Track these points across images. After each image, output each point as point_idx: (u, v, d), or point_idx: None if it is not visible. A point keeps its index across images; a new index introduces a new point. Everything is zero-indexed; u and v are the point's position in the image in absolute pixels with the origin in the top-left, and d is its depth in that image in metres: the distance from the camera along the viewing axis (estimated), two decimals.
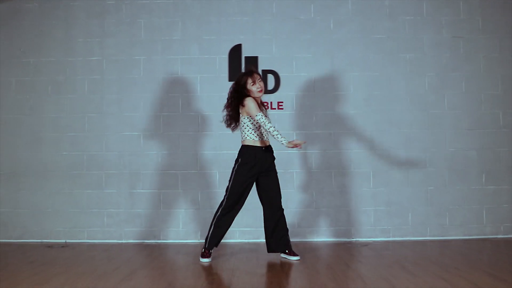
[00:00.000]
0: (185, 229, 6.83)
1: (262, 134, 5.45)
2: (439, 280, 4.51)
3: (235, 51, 6.93)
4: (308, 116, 6.87)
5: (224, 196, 5.50)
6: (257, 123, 5.39)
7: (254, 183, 5.56)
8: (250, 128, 5.44)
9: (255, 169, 5.43)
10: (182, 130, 6.87)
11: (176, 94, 6.90)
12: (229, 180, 5.49)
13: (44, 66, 6.95)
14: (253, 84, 5.44)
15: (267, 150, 5.49)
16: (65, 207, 6.87)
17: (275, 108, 6.84)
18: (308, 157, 6.85)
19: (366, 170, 6.85)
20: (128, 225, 6.83)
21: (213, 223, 5.53)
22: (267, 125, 5.22)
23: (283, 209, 5.59)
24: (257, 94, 5.45)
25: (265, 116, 5.37)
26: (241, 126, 5.49)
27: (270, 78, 6.89)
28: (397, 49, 6.92)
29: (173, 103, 6.89)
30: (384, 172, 6.83)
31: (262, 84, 5.48)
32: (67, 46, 6.97)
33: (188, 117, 6.88)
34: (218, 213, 5.50)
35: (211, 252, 5.52)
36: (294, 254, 5.56)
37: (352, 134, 6.84)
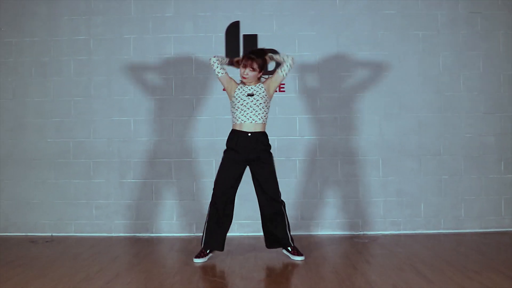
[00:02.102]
0: (179, 222, 6.57)
1: (246, 117, 5.12)
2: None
3: (233, 29, 6.63)
4: (312, 99, 6.60)
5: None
6: (233, 104, 5.21)
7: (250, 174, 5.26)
8: (231, 108, 5.26)
9: (240, 156, 5.13)
10: (176, 114, 6.60)
11: (169, 76, 6.63)
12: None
13: (27, 47, 6.67)
14: (243, 66, 5.21)
15: (254, 137, 5.12)
16: (51, 198, 6.64)
17: (276, 91, 6.28)
18: (312, 143, 6.56)
19: (375, 158, 6.57)
20: (118, 218, 6.59)
21: (207, 220, 5.22)
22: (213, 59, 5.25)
23: (282, 202, 5.24)
24: (241, 78, 5.25)
25: (242, 102, 5.18)
26: None
27: (271, 63, 6.38)
28: (409, 26, 6.61)
29: (166, 85, 6.62)
30: (394, 160, 6.56)
31: (250, 73, 5.15)
32: (51, 24, 6.68)
33: (182, 100, 6.60)
34: (209, 209, 5.21)
35: (207, 253, 5.18)
36: (298, 254, 5.21)
37: (360, 119, 6.57)
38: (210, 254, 5.20)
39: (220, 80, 5.29)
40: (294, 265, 5.00)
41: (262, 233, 5.41)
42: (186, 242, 6.07)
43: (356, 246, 5.80)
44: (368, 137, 6.57)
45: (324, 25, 6.62)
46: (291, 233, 5.31)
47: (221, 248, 5.21)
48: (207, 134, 6.55)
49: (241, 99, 5.12)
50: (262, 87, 5.19)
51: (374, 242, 6.00)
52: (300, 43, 6.60)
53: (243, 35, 6.60)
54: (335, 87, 6.59)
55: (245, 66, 5.14)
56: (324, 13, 6.63)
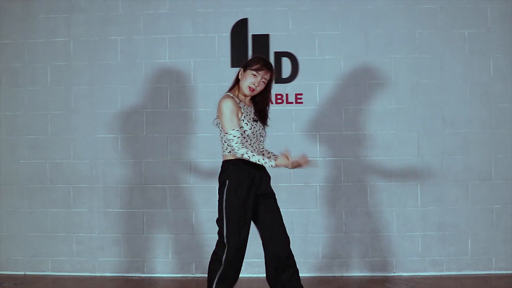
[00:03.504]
0: (175, 260, 6.15)
1: (256, 147, 4.39)
2: None
3: (240, 28, 6.22)
4: (336, 113, 6.17)
5: (219, 242, 4.36)
6: (250, 131, 4.34)
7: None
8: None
9: (253, 190, 4.33)
10: (171, 131, 6.22)
11: (163, 85, 6.27)
12: (221, 215, 4.36)
13: None
14: (253, 75, 4.31)
15: (261, 167, 4.39)
16: (24, 231, 6.28)
17: (292, 102, 6.20)
18: (336, 166, 6.13)
19: (412, 183, 6.11)
20: (103, 254, 6.19)
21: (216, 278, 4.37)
22: (238, 152, 4.16)
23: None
24: (245, 89, 4.35)
25: (253, 130, 4.29)
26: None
27: (286, 63, 6.25)
28: (453, 24, 6.15)
29: (160, 96, 6.26)
30: (435, 186, 6.09)
31: (260, 87, 4.32)
32: (25, 24, 6.37)
33: (179, 114, 6.24)
34: (220, 265, 4.31)
35: None
36: None
37: (394, 136, 6.13)
38: None
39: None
40: None
41: None
42: (183, 284, 5.76)
43: None
44: (404, 158, 6.14)
45: (350, 23, 6.23)
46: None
47: None
48: (208, 155, 6.10)
49: (250, 124, 4.34)
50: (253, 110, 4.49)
51: (412, 287, 5.60)
52: (321, 44, 6.21)
53: (252, 35, 6.22)
54: (364, 98, 6.21)
55: (257, 75, 4.34)
56: (350, 8, 6.24)
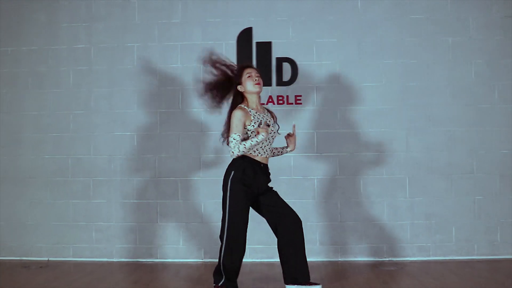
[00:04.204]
0: (186, 246, 6.40)
1: (263, 150, 4.69)
2: None
3: (245, 36, 6.48)
4: (332, 113, 6.43)
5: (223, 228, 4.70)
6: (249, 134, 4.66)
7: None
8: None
9: (252, 189, 4.65)
10: (183, 129, 6.47)
11: (175, 87, 6.51)
12: (224, 203, 4.70)
13: (24, 56, 6.61)
14: (249, 77, 4.69)
15: (265, 167, 4.74)
16: (47, 220, 6.51)
17: (292, 103, 6.41)
18: (332, 161, 6.36)
19: (401, 177, 6.37)
20: (120, 241, 6.43)
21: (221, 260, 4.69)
22: (234, 151, 4.52)
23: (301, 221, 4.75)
24: (253, 88, 4.68)
25: (266, 131, 4.57)
26: None
27: (286, 68, 6.50)
28: (438, 32, 6.44)
29: (172, 97, 6.51)
30: (422, 179, 6.36)
31: (260, 79, 4.71)
32: (49, 32, 6.61)
33: (190, 114, 6.47)
34: (224, 251, 4.66)
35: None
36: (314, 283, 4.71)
37: (384, 134, 6.38)
38: None
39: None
40: None
41: (277, 259, 4.97)
42: (193, 268, 5.89)
43: (381, 276, 5.49)
44: (394, 154, 6.38)
45: (345, 31, 6.49)
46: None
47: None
48: (216, 151, 6.33)
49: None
50: (269, 115, 4.80)
51: (401, 270, 5.73)
52: (319, 50, 6.47)
53: (256, 42, 6.48)
54: (357, 99, 6.44)
55: (251, 74, 4.71)
56: (345, 18, 6.50)
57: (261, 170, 4.62)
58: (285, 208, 4.70)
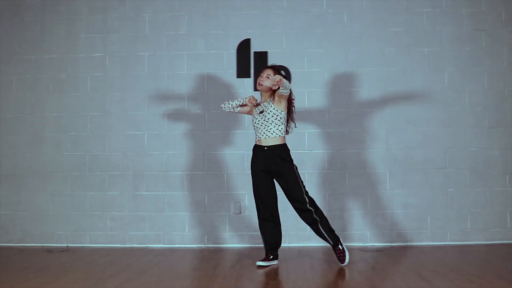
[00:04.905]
0: (191, 233, 6.66)
1: (261, 134, 5.39)
2: None
3: (244, 46, 6.75)
4: (321, 114, 6.70)
5: None
6: (253, 123, 5.49)
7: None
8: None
9: (260, 167, 5.39)
10: (188, 129, 6.73)
11: (182, 92, 6.76)
12: None
13: (46, 63, 6.84)
14: (260, 76, 5.48)
15: (270, 150, 5.37)
16: (67, 210, 6.76)
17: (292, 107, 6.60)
18: (321, 157, 6.67)
19: (382, 171, 6.64)
20: (132, 229, 6.69)
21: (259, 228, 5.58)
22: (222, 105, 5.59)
23: (311, 210, 5.39)
24: (257, 86, 5.50)
25: (255, 120, 5.46)
26: None
27: None
28: (415, 43, 6.71)
29: (179, 101, 6.76)
30: (401, 173, 6.63)
31: (266, 80, 5.38)
32: (69, 42, 6.86)
33: (195, 115, 6.73)
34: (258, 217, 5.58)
35: (270, 256, 5.44)
36: (341, 257, 5.40)
37: (367, 133, 6.66)
38: (273, 260, 5.44)
39: (241, 113, 5.62)
40: (302, 268, 5.18)
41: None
42: (197, 252, 6.17)
43: (363, 256, 5.87)
44: (375, 151, 6.64)
45: (332, 42, 6.72)
46: (335, 233, 5.50)
47: (273, 249, 5.48)
48: (218, 148, 6.66)
49: (255, 118, 5.42)
50: (270, 102, 5.37)
51: (382, 253, 6.04)
52: (309, 59, 6.71)
53: (254, 52, 6.72)
54: (343, 103, 6.68)
55: (262, 74, 5.40)
56: (332, 30, 6.73)
57: (263, 152, 5.31)
58: (290, 196, 5.39)
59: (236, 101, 5.48)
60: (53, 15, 6.87)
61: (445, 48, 6.70)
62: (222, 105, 5.54)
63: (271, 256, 5.41)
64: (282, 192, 5.45)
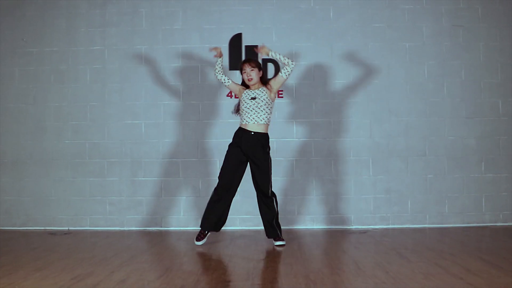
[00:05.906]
0: (186, 216, 6.89)
1: (250, 118, 5.60)
2: (433, 265, 4.57)
3: (236, 40, 6.96)
4: (308, 105, 6.93)
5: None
6: (240, 106, 5.72)
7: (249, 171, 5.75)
8: (240, 110, 5.77)
9: (241, 151, 5.61)
10: (183, 118, 6.93)
11: (177, 83, 6.96)
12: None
13: (47, 56, 7.02)
14: (243, 73, 5.67)
15: (256, 136, 5.61)
16: (68, 195, 6.96)
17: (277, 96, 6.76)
18: (308, 145, 6.90)
19: (366, 158, 6.90)
20: (130, 213, 6.91)
21: (207, 203, 5.74)
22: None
23: (271, 197, 5.69)
24: (247, 83, 5.66)
25: (246, 105, 5.66)
26: None
27: (270, 67, 6.94)
28: (397, 38, 6.94)
29: (175, 92, 6.96)
30: (383, 160, 6.88)
31: (252, 73, 5.62)
32: (69, 36, 7.03)
33: (189, 105, 6.94)
34: (212, 193, 5.72)
35: (205, 234, 5.70)
36: (279, 239, 5.69)
37: (352, 122, 6.90)
38: (208, 234, 5.73)
39: (228, 88, 5.83)
40: (290, 248, 5.47)
41: (262, 227, 5.85)
42: (192, 234, 6.22)
43: (347, 237, 6.21)
44: (359, 139, 6.88)
45: (319, 37, 6.94)
46: (280, 225, 5.79)
47: (215, 228, 5.76)
48: (212, 136, 6.91)
49: (245, 102, 5.62)
50: (264, 90, 5.64)
51: (364, 234, 6.33)
52: (297, 53, 6.92)
53: (245, 46, 6.92)
54: (329, 94, 6.91)
55: (245, 69, 5.63)
56: (319, 26, 6.95)
57: (249, 136, 5.55)
58: (257, 183, 5.65)
59: (216, 66, 5.75)
60: (54, 10, 7.05)
61: (425, 42, 6.93)
62: (215, 74, 5.80)
63: (207, 232, 5.74)
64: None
